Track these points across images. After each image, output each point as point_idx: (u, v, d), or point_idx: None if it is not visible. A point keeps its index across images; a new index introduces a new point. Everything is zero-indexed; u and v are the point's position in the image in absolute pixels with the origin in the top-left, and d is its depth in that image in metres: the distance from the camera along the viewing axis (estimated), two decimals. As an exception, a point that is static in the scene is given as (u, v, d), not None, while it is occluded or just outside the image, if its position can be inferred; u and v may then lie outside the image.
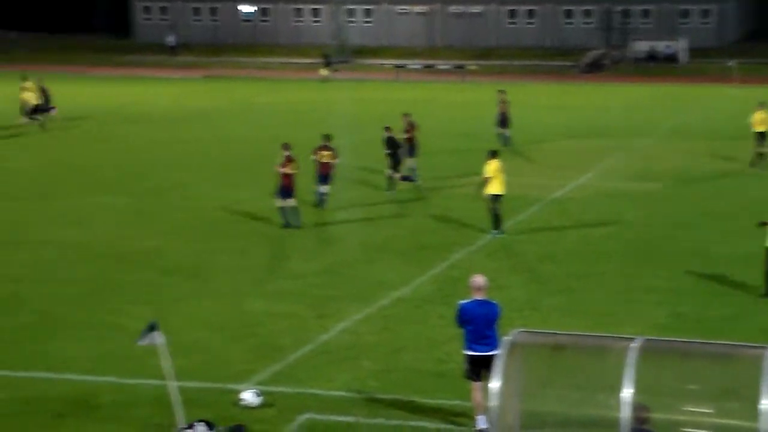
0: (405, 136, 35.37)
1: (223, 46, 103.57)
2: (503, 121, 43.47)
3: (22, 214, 30.42)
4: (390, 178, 33.76)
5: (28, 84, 50.54)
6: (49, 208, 31.20)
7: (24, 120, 49.27)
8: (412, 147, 35.38)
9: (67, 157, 40.69)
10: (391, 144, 33.91)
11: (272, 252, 26.47)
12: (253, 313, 21.37)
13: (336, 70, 79.66)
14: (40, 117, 49.43)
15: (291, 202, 28.66)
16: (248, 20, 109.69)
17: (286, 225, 28.52)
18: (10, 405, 16.50)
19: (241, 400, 16.50)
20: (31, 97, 49.99)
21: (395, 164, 33.89)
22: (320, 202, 31.24)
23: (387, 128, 34.28)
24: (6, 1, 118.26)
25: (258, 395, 16.50)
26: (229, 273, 24.41)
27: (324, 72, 78.25)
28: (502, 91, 45.00)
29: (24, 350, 19.03)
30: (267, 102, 62.31)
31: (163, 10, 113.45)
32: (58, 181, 35.80)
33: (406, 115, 36.30)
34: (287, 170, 28.65)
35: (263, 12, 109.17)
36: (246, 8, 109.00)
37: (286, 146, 29.19)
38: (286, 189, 28.60)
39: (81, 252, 26.21)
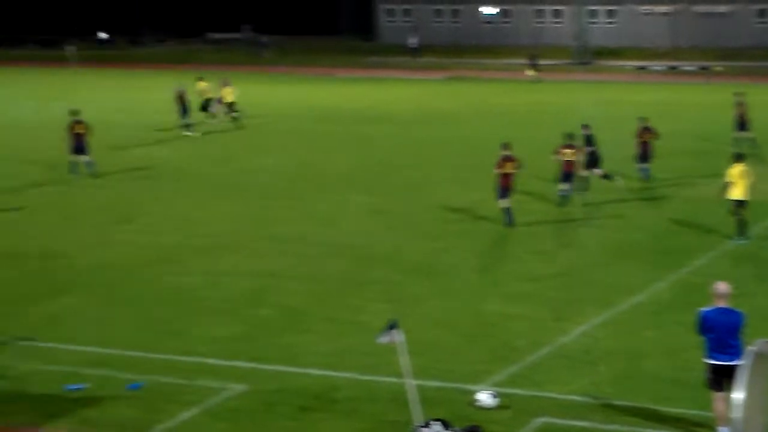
0: (640, 140, 35.12)
1: (465, 47, 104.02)
2: (742, 125, 42.25)
3: (271, 211, 31.36)
4: (585, 178, 33.23)
5: (203, 84, 52.61)
6: (296, 207, 32.07)
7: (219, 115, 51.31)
8: (645, 152, 35.05)
9: (314, 157, 41.68)
10: (589, 142, 33.90)
11: (509, 253, 26.48)
12: (490, 314, 21.44)
13: (541, 71, 79.34)
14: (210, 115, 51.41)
15: (505, 203, 28.94)
16: (489, 22, 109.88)
17: (509, 224, 28.77)
18: (255, 396, 17.05)
19: (476, 400, 16.59)
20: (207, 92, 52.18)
21: (593, 163, 33.62)
22: (563, 200, 31.20)
23: (585, 126, 34.33)
24: (259, 7, 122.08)
25: (494, 396, 16.56)
26: (466, 273, 24.55)
27: (530, 73, 78.02)
28: (739, 94, 43.67)
29: (268, 343, 19.62)
30: (507, 103, 62.27)
31: (406, 12, 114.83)
32: (305, 180, 36.73)
33: (641, 119, 35.79)
34: (505, 170, 28.88)
35: (504, 13, 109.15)
36: (487, 10, 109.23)
37: (505, 146, 29.33)
38: (505, 188, 28.89)
39: (325, 249, 26.84)
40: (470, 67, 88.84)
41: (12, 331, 20.03)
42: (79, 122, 37.20)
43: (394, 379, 17.17)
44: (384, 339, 15.60)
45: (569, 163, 31.16)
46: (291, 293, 22.99)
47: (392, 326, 15.59)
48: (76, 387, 17.17)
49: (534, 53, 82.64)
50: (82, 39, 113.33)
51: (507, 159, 29.11)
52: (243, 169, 38.60)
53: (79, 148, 36.70)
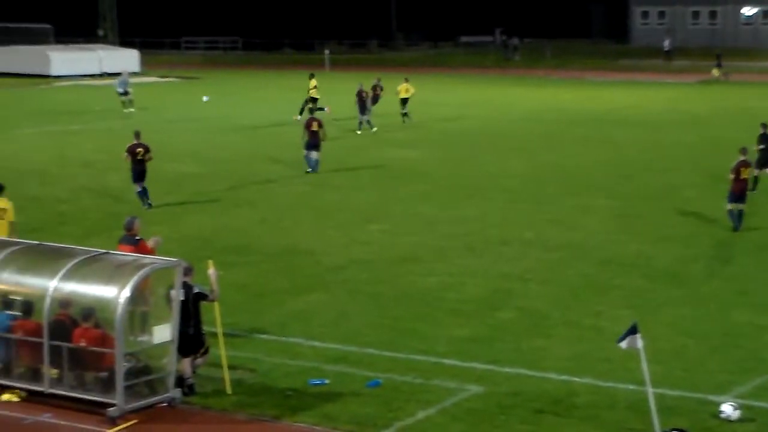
0: None
1: (721, 49, 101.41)
2: None
3: (514, 214, 31.34)
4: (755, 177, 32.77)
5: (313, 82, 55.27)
6: (540, 210, 31.96)
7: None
8: None
9: (560, 161, 41.47)
10: (764, 140, 33.77)
11: (763, 262, 25.62)
12: (738, 324, 20.81)
13: (727, 72, 76.78)
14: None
15: (736, 206, 28.57)
16: (749, 23, 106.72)
17: (736, 229, 28.44)
18: (491, 398, 17.06)
19: (720, 412, 16.15)
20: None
21: (764, 161, 33.44)
22: None
23: (763, 125, 34.02)
24: (511, 10, 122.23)
25: (736, 408, 16.08)
26: (713, 281, 23.94)
27: (716, 73, 76.98)
28: None
29: (506, 346, 19.61)
30: (764, 107, 60.30)
31: (660, 14, 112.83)
32: (550, 183, 36.56)
33: None
34: (741, 176, 28.56)
35: (765, 14, 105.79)
36: (748, 11, 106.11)
37: (743, 150, 29.12)
38: (737, 194, 28.66)
39: (568, 253, 26.66)
40: (726, 69, 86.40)
41: (261, 326, 20.68)
42: (315, 120, 38.95)
43: (633, 387, 16.92)
44: (624, 344, 15.36)
45: None
46: (532, 296, 22.92)
47: (634, 330, 15.33)
48: (319, 382, 17.59)
49: (718, 53, 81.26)
50: (338, 42, 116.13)
51: (744, 164, 28.61)
52: (488, 172, 38.73)
53: (313, 144, 38.48)
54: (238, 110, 59.51)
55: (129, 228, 19.90)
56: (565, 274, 24.68)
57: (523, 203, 33.10)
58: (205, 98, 36.52)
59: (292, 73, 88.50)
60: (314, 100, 53.87)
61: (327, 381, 17.64)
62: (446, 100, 66.25)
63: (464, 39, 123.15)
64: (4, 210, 22.51)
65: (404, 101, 54.08)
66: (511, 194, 34.52)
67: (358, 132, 49.14)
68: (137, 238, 19.77)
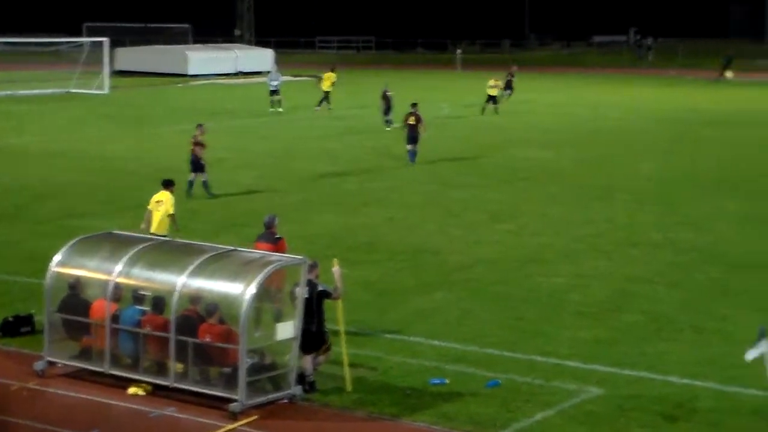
0: None
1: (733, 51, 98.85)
2: None
3: (643, 216, 31.05)
4: None
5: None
6: (669, 212, 31.59)
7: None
8: None
9: (693, 162, 40.97)
10: None
11: None
12: None
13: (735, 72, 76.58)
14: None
15: None
16: None
17: None
18: (611, 401, 16.96)
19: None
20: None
21: None
22: None
23: None
24: (646, 10, 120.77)
25: None
26: None
27: (729, 74, 76.37)
28: None
29: (630, 349, 19.45)
30: None
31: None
32: (681, 185, 36.15)
33: None
34: None
35: None
36: None
37: None
38: None
39: (695, 256, 26.32)
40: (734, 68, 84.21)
41: (384, 324, 20.86)
42: (413, 114, 40.72)
43: (760, 392, 16.67)
44: (752, 353, 15.10)
45: None
46: (658, 300, 22.69)
47: (762, 334, 15.08)
48: (438, 381, 17.69)
49: (729, 54, 79.75)
50: (470, 42, 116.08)
51: None
52: (618, 173, 38.41)
53: (412, 138, 40.20)
54: (370, 110, 59.93)
55: (269, 226, 20.24)
56: (693, 278, 24.39)
57: (653, 205, 32.76)
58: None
59: (424, 73, 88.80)
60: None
61: (447, 380, 17.73)
62: (579, 101, 65.82)
63: (597, 39, 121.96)
64: (160, 202, 24.02)
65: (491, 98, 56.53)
66: (642, 195, 34.19)
67: (388, 129, 49.44)
68: (277, 236, 20.11)
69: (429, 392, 17.29)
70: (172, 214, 23.98)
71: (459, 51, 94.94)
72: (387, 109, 50.78)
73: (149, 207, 24.10)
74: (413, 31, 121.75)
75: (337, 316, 17.85)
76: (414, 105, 41.68)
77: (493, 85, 57.37)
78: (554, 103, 63.38)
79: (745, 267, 25.18)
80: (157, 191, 24.43)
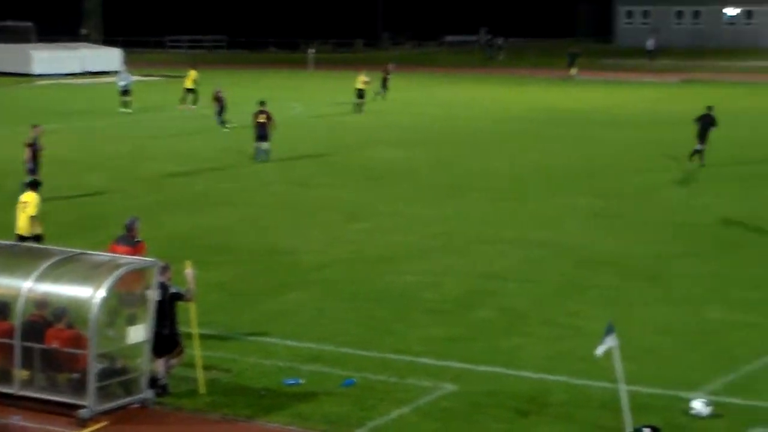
0: None
1: (704, 49, 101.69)
2: None
3: (495, 213, 31.40)
4: None
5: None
6: (521, 209, 32.02)
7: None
8: None
9: (544, 160, 41.57)
10: None
11: (737, 260, 25.71)
12: (711, 321, 20.92)
13: (579, 70, 79.77)
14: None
15: None
16: (731, 23, 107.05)
17: None
18: (466, 397, 17.06)
19: (691, 408, 16.22)
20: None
21: None
22: None
23: None
24: (496, 10, 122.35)
25: (707, 405, 16.15)
26: (689, 279, 24.02)
27: (573, 71, 79.45)
28: None
29: (483, 345, 19.63)
30: (746, 107, 60.52)
31: (645, 14, 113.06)
32: (532, 182, 36.66)
33: None
34: None
35: (747, 14, 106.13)
36: (730, 11, 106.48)
37: None
38: None
39: (547, 252, 26.70)
40: (708, 69, 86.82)
41: (238, 325, 20.67)
42: (262, 112, 40.78)
43: (608, 385, 16.93)
44: (600, 349, 15.34)
45: None
46: (510, 296, 22.95)
47: (609, 330, 15.32)
48: (293, 381, 17.58)
49: (573, 51, 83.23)
50: (323, 42, 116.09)
51: None
52: (470, 171, 38.78)
53: (262, 136, 40.45)
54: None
55: (130, 228, 19.85)
56: (544, 273, 24.73)
57: (505, 202, 33.15)
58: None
59: (277, 73, 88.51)
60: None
61: (302, 380, 17.63)
62: (431, 100, 66.34)
63: (449, 38, 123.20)
64: (25, 203, 23.79)
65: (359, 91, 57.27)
66: (494, 193, 34.57)
67: (226, 130, 48.95)
68: (137, 239, 19.73)
69: (284, 393, 17.17)
70: (34, 216, 23.63)
71: (311, 50, 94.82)
72: (220, 111, 50.16)
73: (18, 208, 23.94)
74: (266, 30, 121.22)
75: (190, 318, 17.60)
76: (262, 103, 41.60)
77: (365, 81, 57.69)
78: (407, 103, 63.72)
79: (594, 262, 25.64)
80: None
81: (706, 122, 39.57)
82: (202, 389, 17.14)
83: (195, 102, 57.78)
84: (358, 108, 56.77)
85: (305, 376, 17.82)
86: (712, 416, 16.03)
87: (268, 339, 19.88)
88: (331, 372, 18.06)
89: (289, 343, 19.63)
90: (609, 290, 23.27)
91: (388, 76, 63.37)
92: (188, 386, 17.27)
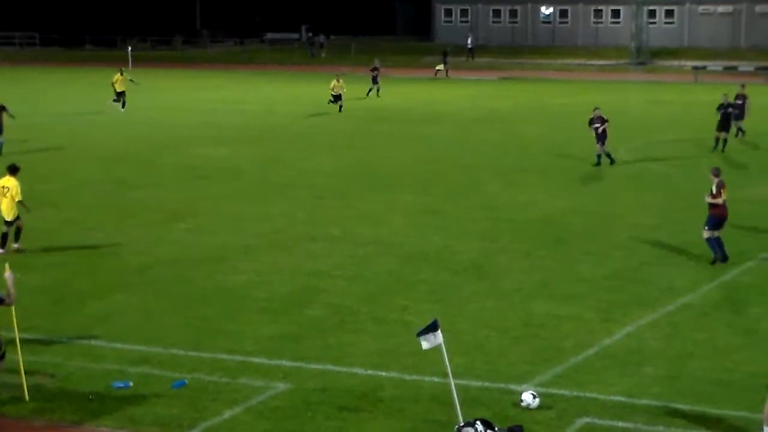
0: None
1: (521, 47, 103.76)
2: None
3: (321, 211, 31.38)
4: None
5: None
6: (347, 206, 32.09)
7: None
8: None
9: (367, 157, 41.78)
10: None
11: (561, 255, 26.28)
12: (537, 315, 21.30)
13: (449, 68, 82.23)
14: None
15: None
16: (547, 22, 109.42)
17: (716, 260, 24.93)
18: (298, 395, 17.01)
19: (521, 401, 16.49)
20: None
21: None
22: None
23: None
24: (317, 8, 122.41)
25: (535, 397, 16.46)
26: (515, 274, 24.42)
27: (439, 67, 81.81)
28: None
29: (314, 343, 19.59)
30: (563, 104, 62.01)
31: (463, 12, 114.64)
32: (357, 180, 36.77)
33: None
34: (718, 200, 25.00)
35: (562, 13, 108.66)
36: (546, 10, 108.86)
37: (716, 172, 25.40)
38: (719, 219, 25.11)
39: (374, 249, 26.81)
40: (526, 67, 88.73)
41: (61, 329, 20.17)
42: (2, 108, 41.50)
43: (438, 379, 17.11)
44: (426, 344, 15.45)
45: None
46: (339, 293, 22.97)
47: (433, 327, 15.44)
48: (122, 384, 17.24)
49: (445, 50, 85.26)
50: (141, 39, 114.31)
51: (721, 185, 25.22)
52: (295, 170, 38.72)
53: None
54: (37, 107, 58.00)
55: None
56: (372, 270, 24.83)
57: (331, 200, 33.18)
58: None
59: (95, 70, 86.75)
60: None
61: (131, 383, 17.30)
62: (252, 98, 66.05)
63: (270, 36, 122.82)
64: (7, 188, 25.33)
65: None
66: (319, 191, 34.56)
67: None
68: None
69: (113, 396, 16.83)
70: (20, 201, 25.29)
71: (129, 48, 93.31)
72: None
73: None
74: (81, 27, 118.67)
75: (10, 322, 17.08)
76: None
77: (339, 86, 56.93)
78: (228, 100, 63.33)
79: (419, 258, 25.85)
80: None
81: (726, 112, 42.78)
82: (26, 395, 16.65)
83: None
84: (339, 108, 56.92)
85: (134, 378, 17.51)
86: (541, 408, 16.32)
87: (94, 342, 19.46)
88: (162, 374, 17.78)
89: (116, 345, 19.26)
90: (437, 285, 23.51)
91: (378, 72, 65.48)
92: (11, 393, 16.75)
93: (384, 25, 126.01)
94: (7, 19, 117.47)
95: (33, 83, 74.68)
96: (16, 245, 26.08)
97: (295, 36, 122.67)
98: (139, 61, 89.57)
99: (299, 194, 33.96)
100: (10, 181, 25.48)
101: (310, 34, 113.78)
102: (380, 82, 65.94)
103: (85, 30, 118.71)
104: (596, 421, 15.96)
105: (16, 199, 25.41)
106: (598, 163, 38.87)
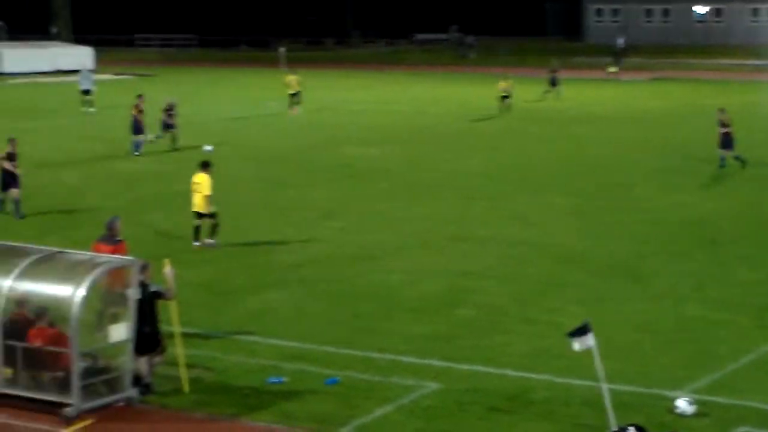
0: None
1: (674, 47, 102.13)
2: None
3: (472, 211, 31.42)
4: None
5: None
6: (498, 207, 32.08)
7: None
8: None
9: (518, 158, 41.67)
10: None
11: (714, 258, 25.84)
12: (691, 319, 21.00)
13: (619, 69, 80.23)
14: None
15: None
16: (701, 21, 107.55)
17: None
18: (449, 395, 17.10)
19: (675, 407, 16.27)
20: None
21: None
22: None
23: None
24: (466, 8, 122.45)
25: (691, 403, 16.21)
26: (667, 276, 24.10)
27: (611, 69, 79.62)
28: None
29: (465, 343, 19.66)
30: (716, 104, 60.79)
31: (614, 12, 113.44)
32: (508, 181, 36.71)
33: None
34: None
35: (717, 12, 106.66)
36: (700, 9, 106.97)
37: None
38: None
39: (525, 250, 26.75)
40: (679, 67, 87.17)
41: (219, 324, 20.63)
42: (138, 105, 42.51)
43: (590, 383, 16.97)
44: (577, 345, 15.38)
45: None
46: (490, 293, 22.98)
47: (585, 329, 15.35)
48: (276, 380, 17.56)
49: (615, 50, 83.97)
50: (294, 40, 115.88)
51: None
52: (445, 170, 38.81)
53: (138, 129, 42.13)
54: (196, 107, 59.29)
55: (110, 228, 19.76)
56: (523, 271, 24.78)
57: (481, 200, 33.19)
58: (207, 148, 37.06)
59: (249, 71, 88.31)
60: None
61: (285, 379, 17.61)
62: (403, 98, 66.34)
63: (420, 36, 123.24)
64: (198, 184, 26.56)
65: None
66: (469, 191, 34.60)
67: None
68: (117, 239, 19.64)
69: (267, 391, 17.16)
70: (209, 195, 26.24)
71: (282, 49, 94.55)
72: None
73: (192, 188, 26.63)
74: (237, 28, 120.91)
75: (171, 316, 17.55)
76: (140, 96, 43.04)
77: (507, 86, 57.14)
78: (378, 101, 63.75)
79: (570, 260, 25.71)
80: None
81: None
82: (185, 388, 17.10)
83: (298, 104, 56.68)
84: (506, 109, 56.75)
85: (288, 374, 17.82)
86: (696, 415, 16.07)
87: (250, 337, 19.86)
88: (315, 370, 18.05)
89: (271, 341, 19.62)
90: (587, 287, 23.34)
91: (557, 74, 64.82)
92: (172, 385, 17.24)
93: (533, 26, 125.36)
94: (168, 21, 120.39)
95: (192, 84, 76.32)
96: (211, 242, 26.74)
97: (445, 36, 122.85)
98: (291, 62, 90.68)
99: (449, 194, 34.06)
100: (202, 177, 26.53)
101: (460, 35, 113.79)
102: (559, 85, 64.90)
103: (241, 31, 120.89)
104: (754, 430, 15.65)
105: (205, 194, 26.35)
106: (722, 165, 38.02)
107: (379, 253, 26.46)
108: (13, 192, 30.54)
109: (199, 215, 26.69)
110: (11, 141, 31.54)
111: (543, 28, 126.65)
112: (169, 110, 44.01)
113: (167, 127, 43.98)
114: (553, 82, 64.73)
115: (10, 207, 30.64)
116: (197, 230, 26.84)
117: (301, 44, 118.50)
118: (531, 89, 65.49)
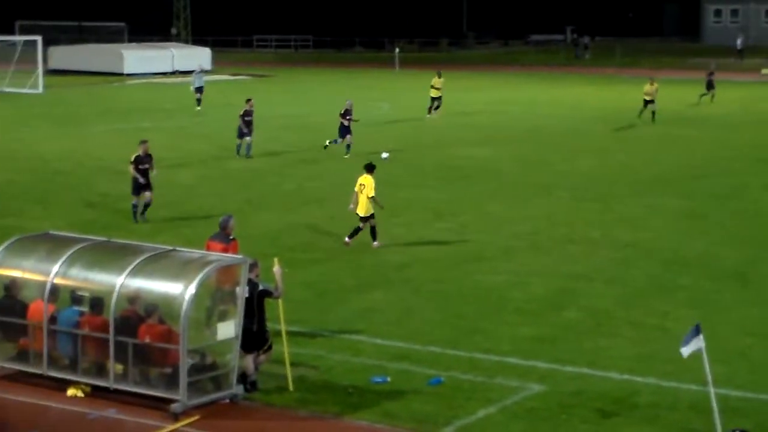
0: None
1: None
2: None
3: (582, 213, 31.22)
4: None
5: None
6: (607, 209, 31.82)
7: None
8: None
9: (630, 160, 41.26)
10: None
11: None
12: (806, 325, 20.63)
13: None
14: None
15: None
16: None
17: None
18: (553, 398, 17.04)
19: (784, 413, 16.02)
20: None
21: None
22: None
23: None
24: (582, 9, 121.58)
25: (799, 410, 15.95)
26: (782, 282, 23.72)
27: (765, 71, 78.29)
28: None
29: (569, 345, 19.57)
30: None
31: (733, 12, 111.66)
32: (618, 182, 36.37)
33: None
34: None
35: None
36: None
37: None
38: None
39: (634, 252, 26.51)
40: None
41: (325, 323, 20.82)
42: (249, 110, 42.09)
43: (696, 387, 16.80)
44: (686, 349, 15.19)
45: None
46: (597, 296, 22.83)
47: (695, 333, 15.17)
48: (380, 380, 17.67)
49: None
50: (409, 41, 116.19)
51: None
52: (556, 171, 38.63)
53: (243, 133, 41.74)
54: (311, 108, 59.87)
55: (224, 226, 20.08)
56: (632, 274, 24.56)
57: (590, 202, 32.97)
58: (384, 155, 37.03)
59: (363, 72, 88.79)
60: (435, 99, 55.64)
61: (389, 379, 17.72)
62: (517, 99, 66.13)
63: (534, 37, 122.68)
64: (362, 185, 26.77)
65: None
66: (580, 193, 34.39)
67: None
68: (231, 237, 19.95)
69: (371, 390, 17.28)
70: (373, 197, 26.44)
71: (397, 50, 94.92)
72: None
73: (356, 189, 26.77)
74: (351, 29, 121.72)
75: (278, 315, 17.78)
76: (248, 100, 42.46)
77: (652, 89, 54.47)
78: (492, 102, 63.62)
79: (681, 263, 25.41)
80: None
81: None
82: (290, 386, 17.31)
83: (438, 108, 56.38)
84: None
85: (392, 374, 17.91)
86: (805, 422, 15.84)
87: (355, 337, 20.01)
88: (418, 371, 18.13)
89: (375, 341, 19.74)
90: (697, 291, 23.06)
91: (713, 77, 63.48)
92: (277, 383, 17.45)
93: (651, 26, 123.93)
94: (285, 23, 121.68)
95: (307, 83, 77.03)
96: (376, 243, 26.98)
97: (560, 37, 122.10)
98: (405, 63, 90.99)
99: (559, 196, 33.88)
100: (366, 179, 26.75)
101: (575, 35, 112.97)
102: (716, 88, 63.22)
103: (355, 32, 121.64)
104: None
105: (369, 195, 26.54)
106: None
107: (487, 254, 26.45)
108: (146, 195, 29.97)
109: (362, 219, 26.80)
110: (142, 143, 30.41)
111: (660, 28, 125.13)
112: (346, 114, 43.21)
113: (345, 131, 42.98)
114: (710, 85, 62.98)
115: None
116: (356, 231, 27.02)
117: (416, 45, 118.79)
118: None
